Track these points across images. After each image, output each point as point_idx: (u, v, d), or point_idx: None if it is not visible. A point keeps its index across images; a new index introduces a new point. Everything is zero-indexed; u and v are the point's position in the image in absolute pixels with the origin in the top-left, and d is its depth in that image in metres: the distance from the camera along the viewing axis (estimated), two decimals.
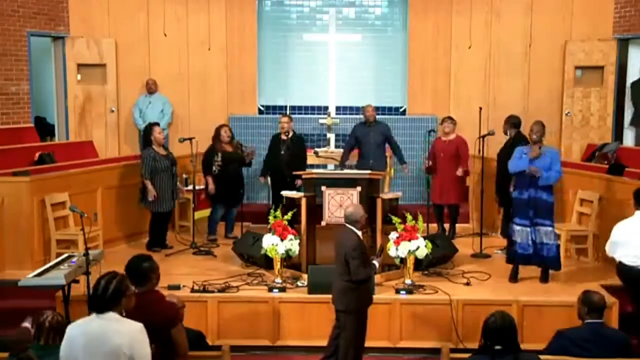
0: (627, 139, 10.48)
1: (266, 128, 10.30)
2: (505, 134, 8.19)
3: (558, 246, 6.80)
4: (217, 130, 8.66)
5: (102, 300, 3.62)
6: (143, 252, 4.61)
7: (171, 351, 4.24)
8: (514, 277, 6.87)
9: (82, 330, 3.60)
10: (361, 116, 9.33)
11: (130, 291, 3.76)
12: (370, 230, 6.82)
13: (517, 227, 6.78)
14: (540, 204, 6.65)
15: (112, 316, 3.61)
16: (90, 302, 3.68)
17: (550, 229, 6.69)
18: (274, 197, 8.57)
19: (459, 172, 8.52)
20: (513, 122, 8.13)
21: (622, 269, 5.93)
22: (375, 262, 5.47)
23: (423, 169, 9.15)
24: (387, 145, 9.07)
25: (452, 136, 8.69)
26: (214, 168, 8.48)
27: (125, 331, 3.58)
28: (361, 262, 5.22)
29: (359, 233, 5.36)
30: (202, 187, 8.70)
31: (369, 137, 8.90)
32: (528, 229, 6.70)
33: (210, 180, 8.55)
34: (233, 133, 8.86)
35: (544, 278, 6.84)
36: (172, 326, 4.25)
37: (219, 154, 8.49)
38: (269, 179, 8.89)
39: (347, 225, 5.37)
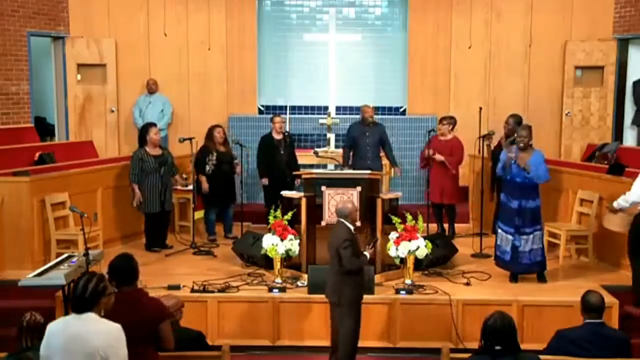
0: (629, 139, 10.47)
1: (266, 128, 10.22)
2: (508, 134, 8.14)
3: (543, 248, 6.83)
4: (210, 131, 8.62)
5: (81, 300, 3.60)
6: (124, 252, 4.60)
7: (158, 348, 4.24)
8: (514, 277, 6.87)
9: (61, 330, 3.60)
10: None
11: (110, 290, 3.75)
12: (370, 230, 6.82)
13: (500, 232, 6.84)
14: (528, 212, 6.64)
15: (90, 317, 3.60)
16: (71, 302, 3.67)
17: (539, 233, 6.72)
18: (272, 198, 8.44)
19: (438, 156, 8.44)
20: (516, 120, 8.12)
21: None
22: (367, 254, 5.60)
23: (419, 161, 9.10)
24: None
25: (449, 136, 8.68)
26: (207, 168, 8.46)
27: (102, 332, 3.56)
28: (353, 252, 5.36)
29: (351, 227, 5.50)
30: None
31: (366, 137, 8.79)
32: (510, 237, 6.72)
33: (204, 179, 8.52)
34: (226, 134, 8.84)
35: (541, 278, 6.85)
36: (161, 321, 4.21)
37: (214, 153, 8.48)
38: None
39: (340, 219, 5.55)
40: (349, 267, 5.34)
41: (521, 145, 6.71)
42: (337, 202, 6.71)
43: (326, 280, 5.58)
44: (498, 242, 6.89)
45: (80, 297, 3.60)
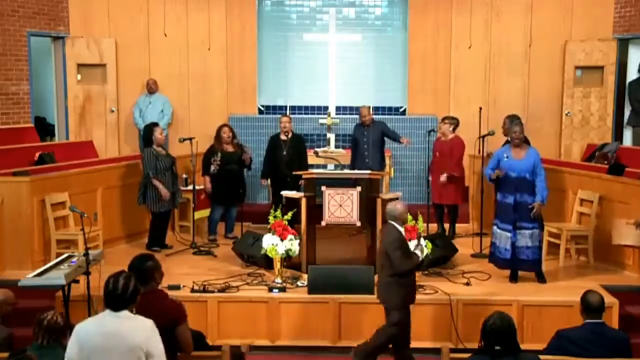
0: (626, 139, 10.48)
1: (266, 128, 10.30)
2: (505, 134, 8.16)
3: (540, 248, 6.81)
4: (218, 131, 8.67)
5: (122, 298, 3.68)
6: (144, 252, 4.62)
7: (175, 350, 4.25)
8: (514, 277, 6.86)
9: (96, 329, 3.63)
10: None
11: (139, 289, 3.86)
12: (371, 230, 6.82)
13: (498, 230, 6.82)
14: (524, 207, 6.64)
15: (125, 314, 3.68)
16: (109, 300, 3.71)
17: (537, 230, 6.70)
18: (275, 198, 8.55)
19: (443, 177, 8.44)
20: (511, 120, 8.11)
21: None
22: (418, 252, 5.56)
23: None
24: (385, 147, 9.07)
25: (450, 136, 8.68)
26: (212, 168, 8.48)
27: (141, 328, 3.65)
28: (403, 254, 5.32)
29: (401, 228, 5.46)
30: (201, 187, 8.70)
31: (365, 137, 8.90)
32: (509, 234, 6.71)
33: (207, 180, 8.55)
34: (234, 133, 8.86)
35: (540, 278, 6.84)
36: (178, 324, 4.26)
37: (218, 153, 8.50)
38: (269, 180, 8.88)
39: (389, 221, 5.49)
40: (401, 269, 5.31)
41: (516, 141, 6.73)
42: (339, 202, 6.72)
43: (329, 283, 5.64)
44: (496, 242, 6.87)
45: (121, 295, 3.68)
